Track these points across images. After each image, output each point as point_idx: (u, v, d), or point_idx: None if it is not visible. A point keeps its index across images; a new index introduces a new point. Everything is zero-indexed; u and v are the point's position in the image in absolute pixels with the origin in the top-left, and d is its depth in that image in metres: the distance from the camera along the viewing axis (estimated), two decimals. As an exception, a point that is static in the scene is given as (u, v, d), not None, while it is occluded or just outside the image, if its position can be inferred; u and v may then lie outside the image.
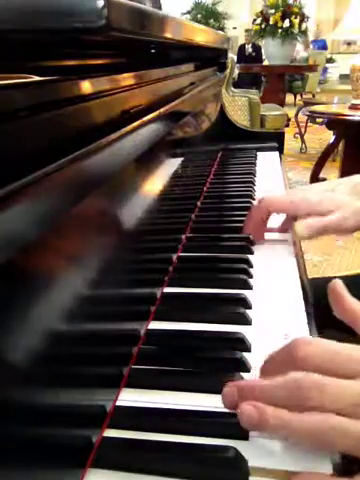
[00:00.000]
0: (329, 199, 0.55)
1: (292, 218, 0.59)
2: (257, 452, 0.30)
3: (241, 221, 0.68)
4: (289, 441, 0.30)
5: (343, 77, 7.74)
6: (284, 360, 0.31)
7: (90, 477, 0.29)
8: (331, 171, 3.02)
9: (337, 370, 0.29)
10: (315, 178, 2.77)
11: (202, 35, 0.71)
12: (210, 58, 1.11)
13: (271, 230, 0.63)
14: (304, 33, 5.02)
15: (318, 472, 0.28)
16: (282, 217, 0.63)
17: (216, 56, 1.15)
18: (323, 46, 8.48)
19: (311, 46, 8.12)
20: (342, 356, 0.30)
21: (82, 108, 0.32)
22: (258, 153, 1.12)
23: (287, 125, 3.63)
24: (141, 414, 0.34)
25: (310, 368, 0.29)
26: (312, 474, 0.28)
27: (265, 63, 6.11)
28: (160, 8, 0.98)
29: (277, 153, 1.13)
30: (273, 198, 0.60)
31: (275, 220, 0.63)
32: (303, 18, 5.02)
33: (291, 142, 4.23)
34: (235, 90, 2.67)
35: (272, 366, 0.32)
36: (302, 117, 3.68)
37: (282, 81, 5.28)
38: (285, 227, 0.63)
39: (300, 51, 6.92)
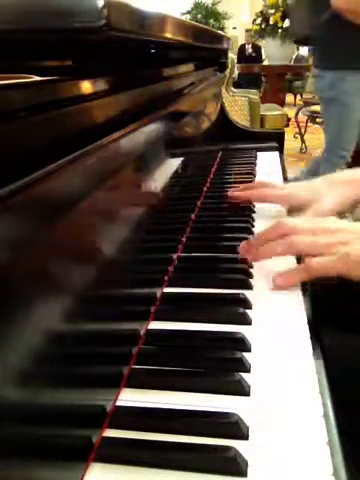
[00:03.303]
0: (309, 190, 0.64)
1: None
2: (257, 451, 0.30)
3: (241, 221, 0.68)
4: (274, 256, 0.50)
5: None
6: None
7: (90, 477, 0.29)
8: (331, 171, 3.02)
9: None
10: (315, 178, 2.76)
11: (202, 35, 0.71)
12: (210, 58, 1.11)
13: None
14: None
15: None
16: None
17: (216, 56, 1.15)
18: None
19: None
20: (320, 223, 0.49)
21: (82, 108, 0.32)
22: (258, 153, 1.12)
23: (287, 125, 3.63)
24: (141, 414, 0.34)
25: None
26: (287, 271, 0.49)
27: (265, 63, 6.11)
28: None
29: (277, 153, 1.13)
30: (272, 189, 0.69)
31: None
32: (303, 18, 5.01)
33: (291, 142, 4.23)
34: (235, 90, 2.67)
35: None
36: (302, 117, 3.68)
37: (282, 81, 5.28)
38: None
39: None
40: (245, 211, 0.72)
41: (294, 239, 0.47)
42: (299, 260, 0.55)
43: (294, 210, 0.66)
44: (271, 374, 0.37)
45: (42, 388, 0.25)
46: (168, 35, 0.44)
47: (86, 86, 0.34)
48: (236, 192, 0.72)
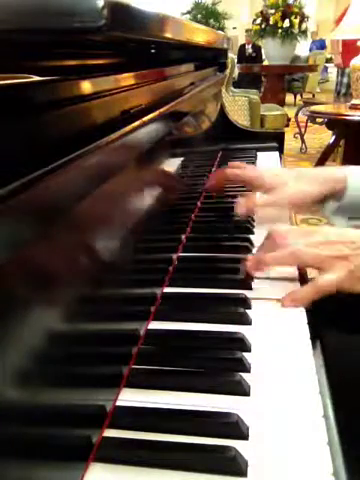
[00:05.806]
0: (275, 176, 0.67)
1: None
2: (257, 451, 0.30)
3: (241, 220, 0.68)
4: (278, 266, 0.50)
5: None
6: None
7: (90, 477, 0.29)
8: (331, 171, 3.01)
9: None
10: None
11: (202, 35, 0.71)
12: (210, 58, 1.11)
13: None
14: (304, 33, 5.02)
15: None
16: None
17: (216, 56, 1.15)
18: (322, 46, 8.48)
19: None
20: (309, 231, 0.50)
21: (82, 108, 0.32)
22: (258, 153, 1.12)
23: (287, 125, 3.62)
24: (141, 414, 0.34)
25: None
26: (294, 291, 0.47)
27: (265, 63, 6.11)
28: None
29: (277, 153, 1.13)
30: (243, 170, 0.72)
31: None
32: (303, 18, 5.02)
33: (291, 142, 4.23)
34: (235, 90, 2.67)
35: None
36: (302, 117, 3.68)
37: (282, 81, 5.28)
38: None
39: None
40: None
41: (297, 252, 0.47)
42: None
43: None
44: (271, 374, 0.37)
45: (42, 388, 0.25)
46: (168, 35, 0.44)
47: (86, 86, 0.34)
48: (210, 183, 0.76)
